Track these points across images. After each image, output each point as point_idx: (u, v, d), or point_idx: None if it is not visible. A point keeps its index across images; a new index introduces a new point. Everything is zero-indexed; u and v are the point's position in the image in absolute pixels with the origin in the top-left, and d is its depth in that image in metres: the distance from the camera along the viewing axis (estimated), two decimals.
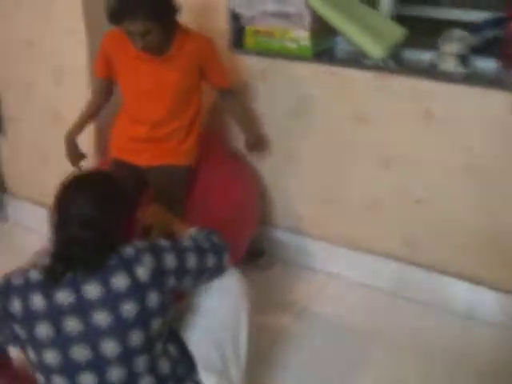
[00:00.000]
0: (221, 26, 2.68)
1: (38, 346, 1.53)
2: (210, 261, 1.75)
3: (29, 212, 3.27)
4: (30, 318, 1.53)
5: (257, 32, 2.60)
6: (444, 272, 2.54)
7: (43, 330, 1.52)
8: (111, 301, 1.51)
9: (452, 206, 2.44)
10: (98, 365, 1.52)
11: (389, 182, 2.55)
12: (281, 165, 2.81)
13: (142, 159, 2.43)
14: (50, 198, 1.65)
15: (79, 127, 2.50)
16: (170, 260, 1.63)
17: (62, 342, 1.51)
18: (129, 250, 1.58)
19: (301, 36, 2.49)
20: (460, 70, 2.31)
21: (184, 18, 2.66)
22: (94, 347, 1.51)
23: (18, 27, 2.88)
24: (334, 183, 2.69)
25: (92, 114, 2.54)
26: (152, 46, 2.18)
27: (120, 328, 1.52)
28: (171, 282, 1.62)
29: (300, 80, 2.60)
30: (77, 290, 1.52)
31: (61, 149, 2.49)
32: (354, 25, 2.36)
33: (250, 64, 2.69)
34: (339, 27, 2.39)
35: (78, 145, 2.50)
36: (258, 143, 2.68)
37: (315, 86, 2.57)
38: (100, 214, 1.58)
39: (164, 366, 1.64)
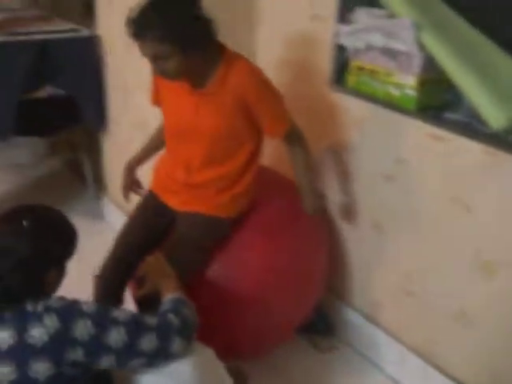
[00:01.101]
0: (323, 60, 2.19)
1: None
2: (148, 343, 1.37)
3: (119, 214, 3.06)
4: None
5: (360, 69, 2.05)
6: None
7: None
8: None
9: None
10: None
11: (487, 295, 1.83)
12: (365, 236, 2.22)
13: (175, 201, 2.00)
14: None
15: (141, 159, 2.19)
16: (82, 329, 1.29)
17: None
18: (36, 306, 1.29)
19: (406, 82, 1.89)
20: None
21: (283, 49, 2.26)
22: None
23: None
24: (420, 274, 2.03)
25: (155, 146, 2.17)
26: (172, 75, 1.74)
27: None
28: (77, 355, 1.29)
29: (400, 138, 1.99)
30: None
31: None
32: (472, 74, 1.71)
33: (349, 108, 2.15)
34: (451, 74, 1.76)
35: (137, 176, 2.21)
36: (316, 207, 2.07)
37: (415, 148, 1.94)
38: (11, 263, 1.31)
39: None
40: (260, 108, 1.83)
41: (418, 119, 1.90)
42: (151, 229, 2.02)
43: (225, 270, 2.00)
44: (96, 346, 1.31)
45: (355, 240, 2.29)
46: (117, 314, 1.37)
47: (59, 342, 1.27)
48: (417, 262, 2.04)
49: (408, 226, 2.04)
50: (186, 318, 1.48)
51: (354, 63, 2.07)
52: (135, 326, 1.37)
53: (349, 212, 2.26)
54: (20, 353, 1.26)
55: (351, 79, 2.09)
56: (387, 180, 2.07)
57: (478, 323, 1.87)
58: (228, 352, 2.15)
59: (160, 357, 1.40)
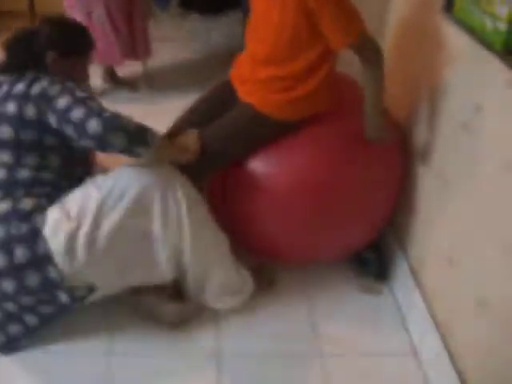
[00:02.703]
0: None
1: None
2: (76, 113, 1.61)
3: None
4: None
5: None
6: None
7: None
8: (6, 97, 1.71)
9: None
10: None
11: None
12: (432, 186, 1.93)
13: (241, 90, 1.97)
14: None
15: None
16: (54, 89, 1.67)
17: None
18: (43, 75, 1.71)
19: (501, 12, 1.52)
20: None
21: None
22: None
23: None
24: (463, 241, 1.74)
25: None
26: None
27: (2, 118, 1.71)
28: (33, 109, 1.66)
29: (482, 82, 1.63)
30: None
31: None
32: None
33: (449, 41, 1.81)
34: None
35: None
36: (376, 136, 1.88)
37: (491, 96, 1.59)
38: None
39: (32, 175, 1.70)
40: (321, 15, 1.68)
41: (501, 61, 1.54)
42: (214, 109, 2.02)
43: (266, 167, 1.94)
44: (46, 104, 1.65)
45: (424, 186, 2.00)
46: (80, 92, 1.67)
47: (44, 97, 1.66)
48: (462, 227, 1.74)
49: (469, 185, 1.72)
50: (119, 118, 1.63)
51: None
52: (78, 101, 1.63)
53: (425, 154, 1.97)
54: (22, 98, 1.68)
55: (457, 5, 1.75)
56: (463, 129, 1.75)
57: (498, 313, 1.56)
58: (265, 251, 2.14)
59: (80, 133, 1.61)
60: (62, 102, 1.63)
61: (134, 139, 1.63)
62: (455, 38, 1.78)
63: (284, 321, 2.01)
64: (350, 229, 2.05)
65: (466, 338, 1.69)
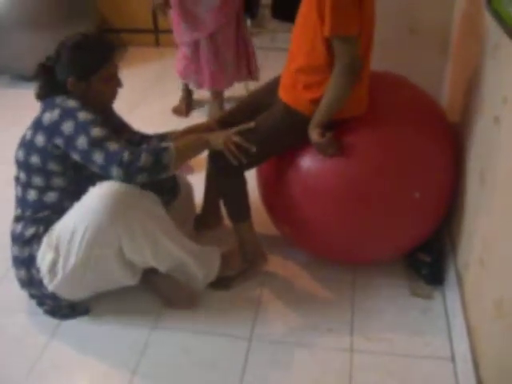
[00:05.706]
0: None
1: None
2: (97, 158, 1.72)
3: None
4: None
5: None
6: None
7: None
8: (34, 124, 1.86)
9: None
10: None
11: None
12: (472, 185, 1.82)
13: (280, 86, 1.99)
14: None
15: None
16: (67, 128, 1.74)
17: None
18: (60, 101, 1.79)
19: None
20: None
21: None
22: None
23: None
24: (493, 241, 1.61)
25: None
26: None
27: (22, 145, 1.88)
28: (58, 142, 1.76)
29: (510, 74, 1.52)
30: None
31: None
32: None
33: (486, 32, 1.72)
34: None
35: None
36: (315, 142, 1.84)
37: None
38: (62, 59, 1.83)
39: (31, 195, 1.86)
40: (324, 4, 1.70)
41: None
42: (260, 107, 2.06)
43: (309, 166, 1.94)
44: (69, 143, 1.75)
45: (469, 185, 1.89)
46: (95, 130, 1.73)
47: (53, 128, 1.76)
48: (492, 227, 1.62)
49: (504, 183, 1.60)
50: (136, 160, 1.71)
51: None
52: (97, 143, 1.72)
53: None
54: (37, 127, 1.82)
55: None
56: (495, 122, 1.63)
57: None
58: (314, 249, 2.16)
59: (104, 173, 1.74)
60: (80, 143, 1.72)
61: (154, 172, 1.74)
62: (491, 31, 1.69)
63: (323, 312, 2.01)
64: (396, 229, 1.98)
65: (487, 346, 1.57)
